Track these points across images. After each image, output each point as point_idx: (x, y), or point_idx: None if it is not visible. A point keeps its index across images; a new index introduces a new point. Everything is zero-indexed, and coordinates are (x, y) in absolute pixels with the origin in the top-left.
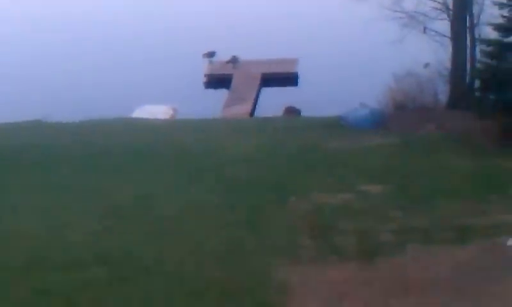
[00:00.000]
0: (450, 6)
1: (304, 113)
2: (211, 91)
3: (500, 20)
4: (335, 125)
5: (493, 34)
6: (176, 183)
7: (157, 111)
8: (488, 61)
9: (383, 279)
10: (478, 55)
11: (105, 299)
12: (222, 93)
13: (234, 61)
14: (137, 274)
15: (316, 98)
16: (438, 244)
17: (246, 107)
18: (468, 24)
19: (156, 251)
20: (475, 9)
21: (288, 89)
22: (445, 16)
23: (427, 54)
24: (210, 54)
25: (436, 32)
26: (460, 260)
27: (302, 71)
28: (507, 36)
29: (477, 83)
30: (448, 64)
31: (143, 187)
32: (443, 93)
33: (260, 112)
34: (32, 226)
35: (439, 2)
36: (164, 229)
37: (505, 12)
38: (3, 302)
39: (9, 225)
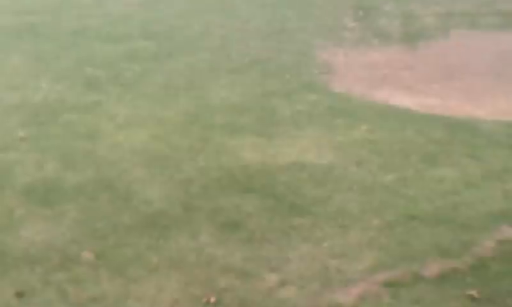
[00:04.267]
0: None
1: None
2: None
3: None
4: None
5: None
6: None
7: None
8: None
9: (425, 63)
10: None
11: (150, 71)
12: None
13: None
14: (181, 49)
15: None
16: (481, 29)
17: None
18: None
19: (200, 27)
20: None
21: None
22: None
23: None
24: None
25: None
26: (503, 47)
27: None
28: None
29: None
30: None
31: None
32: None
33: None
34: None
35: None
36: (209, 5)
37: None
38: (50, 70)
39: None
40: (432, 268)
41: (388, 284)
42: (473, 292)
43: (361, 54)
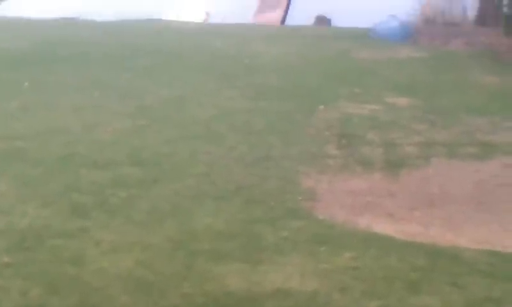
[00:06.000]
0: None
1: (334, 23)
2: None
3: None
4: (365, 37)
5: None
6: (208, 87)
7: (190, 14)
8: None
9: (407, 191)
10: None
11: (137, 197)
12: None
13: None
14: (167, 175)
15: (347, 8)
16: (461, 159)
17: (277, 15)
18: None
19: (186, 154)
20: None
21: None
22: None
23: None
24: None
25: None
26: (482, 176)
27: None
28: None
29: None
30: None
31: (174, 89)
32: (472, 8)
33: (291, 20)
34: (65, 123)
35: None
36: (195, 132)
37: None
38: (36, 196)
39: (43, 122)
40: None
41: None
42: None
43: (345, 181)
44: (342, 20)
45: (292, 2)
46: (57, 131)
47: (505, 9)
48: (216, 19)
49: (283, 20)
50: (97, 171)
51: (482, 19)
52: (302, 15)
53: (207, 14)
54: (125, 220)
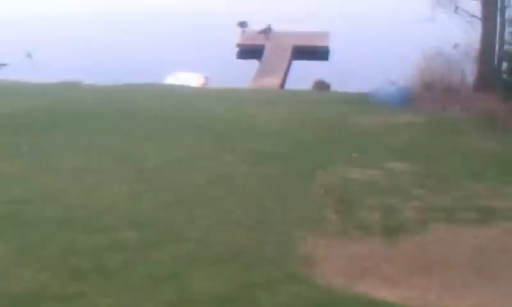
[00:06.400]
0: None
1: (333, 88)
2: (243, 61)
3: None
4: (364, 101)
5: None
6: (206, 151)
7: (189, 79)
8: None
9: (405, 256)
10: (507, 37)
11: (134, 261)
12: (253, 64)
13: (267, 31)
14: (165, 239)
15: (346, 73)
16: (460, 224)
17: (276, 79)
18: (499, 5)
19: (184, 217)
20: None
21: (319, 63)
22: None
23: (457, 33)
24: (242, 24)
25: (466, 12)
26: (482, 241)
27: (333, 45)
28: None
29: (504, 65)
30: (477, 45)
31: (173, 153)
32: (470, 74)
33: (290, 84)
34: (63, 187)
35: None
36: (193, 196)
37: None
38: (33, 260)
39: (41, 185)
40: None
41: None
42: None
43: (342, 246)
44: (341, 84)
45: (291, 66)
46: (55, 195)
47: (504, 76)
48: (215, 83)
49: (282, 84)
50: (94, 234)
51: (480, 85)
52: (301, 79)
53: (206, 78)
54: (122, 285)
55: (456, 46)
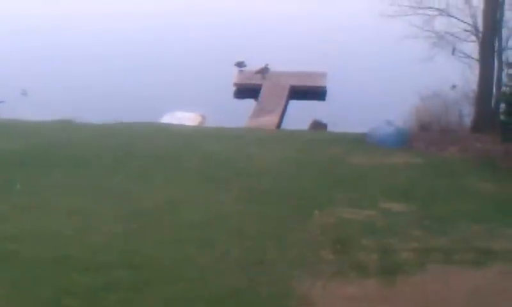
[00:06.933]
0: (480, 29)
1: (330, 128)
2: (240, 100)
3: None
4: (361, 141)
5: None
6: (202, 191)
7: (186, 118)
8: None
9: (402, 297)
10: (505, 79)
11: (128, 301)
12: (250, 103)
13: (264, 71)
14: (160, 279)
15: (343, 113)
16: (458, 265)
17: (273, 119)
18: (496, 48)
19: (179, 257)
20: (504, 33)
21: (316, 103)
22: (474, 38)
23: (454, 74)
24: (240, 64)
25: (464, 53)
26: (480, 283)
27: (330, 85)
28: None
29: (502, 107)
30: (474, 86)
31: (169, 192)
32: (468, 115)
33: (287, 124)
34: (58, 226)
35: (469, 24)
36: (188, 236)
37: None
38: (26, 300)
39: (35, 224)
40: None
41: None
42: None
43: (339, 287)
44: (338, 124)
45: (288, 106)
46: (49, 234)
47: (502, 117)
48: (211, 122)
49: (279, 124)
50: (89, 274)
51: (478, 126)
52: (298, 119)
53: (203, 117)
54: None
55: (453, 87)
